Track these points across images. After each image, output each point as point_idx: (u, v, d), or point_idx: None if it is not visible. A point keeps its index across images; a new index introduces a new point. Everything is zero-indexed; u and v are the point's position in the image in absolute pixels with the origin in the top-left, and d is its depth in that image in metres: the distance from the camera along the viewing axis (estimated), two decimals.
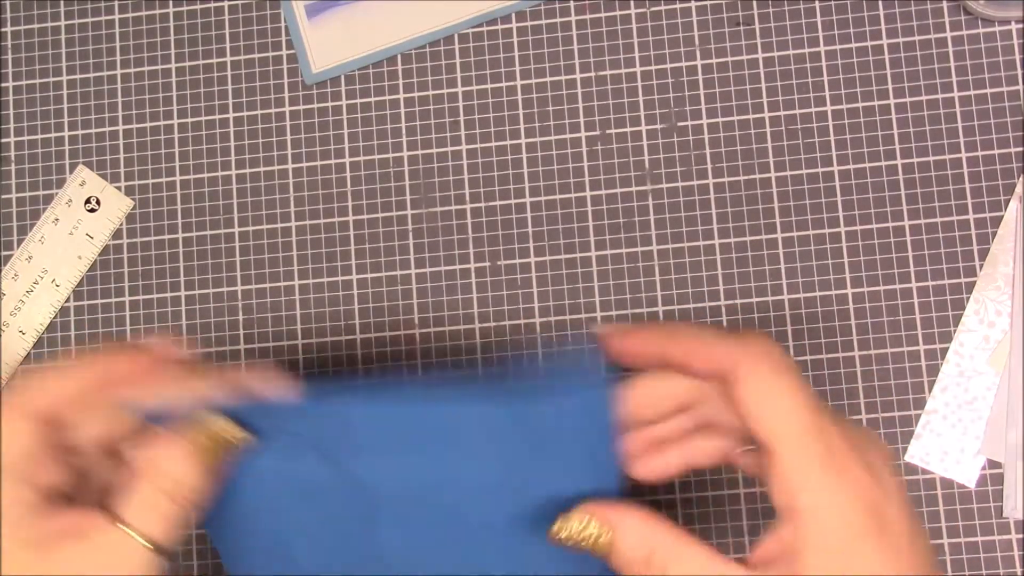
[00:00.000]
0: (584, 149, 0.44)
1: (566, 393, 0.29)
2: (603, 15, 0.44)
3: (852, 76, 0.43)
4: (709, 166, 0.43)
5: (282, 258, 0.44)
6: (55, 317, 0.45)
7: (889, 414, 0.41)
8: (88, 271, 0.45)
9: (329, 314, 0.44)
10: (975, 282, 0.42)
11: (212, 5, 0.46)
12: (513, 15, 0.44)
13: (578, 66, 0.44)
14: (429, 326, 0.43)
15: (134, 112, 0.46)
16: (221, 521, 0.31)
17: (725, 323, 0.42)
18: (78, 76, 0.46)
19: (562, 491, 0.29)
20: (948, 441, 0.41)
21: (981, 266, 0.42)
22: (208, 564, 0.43)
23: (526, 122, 0.44)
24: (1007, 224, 0.42)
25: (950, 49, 0.43)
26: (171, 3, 0.46)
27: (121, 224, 0.45)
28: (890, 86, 0.43)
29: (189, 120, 0.45)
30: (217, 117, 0.45)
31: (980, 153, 0.42)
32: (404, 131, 0.45)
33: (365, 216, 0.44)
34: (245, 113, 0.45)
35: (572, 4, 0.44)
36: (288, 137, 0.45)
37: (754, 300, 0.42)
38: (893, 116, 0.43)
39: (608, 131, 0.44)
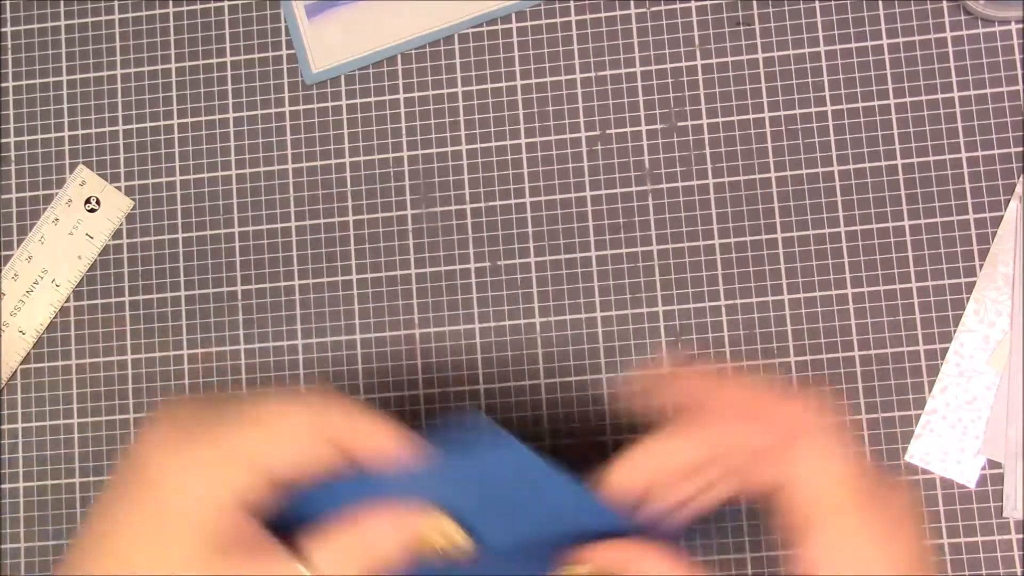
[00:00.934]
0: (584, 149, 0.44)
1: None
2: (603, 15, 0.44)
3: (852, 76, 0.43)
4: (709, 166, 0.43)
5: (282, 258, 0.44)
6: (55, 317, 0.45)
7: (889, 414, 0.41)
8: (88, 271, 0.45)
9: (329, 314, 0.44)
10: (975, 282, 0.42)
11: (212, 5, 0.46)
12: (513, 15, 0.44)
13: (578, 66, 0.44)
14: (429, 326, 0.43)
15: (134, 112, 0.46)
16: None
17: (725, 323, 0.42)
18: (78, 76, 0.46)
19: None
20: (948, 441, 0.41)
21: (981, 266, 0.42)
22: None
23: (526, 122, 0.44)
24: (1007, 224, 0.42)
25: (950, 49, 0.43)
26: (171, 3, 0.46)
27: (121, 224, 0.45)
28: (890, 86, 0.43)
29: (189, 120, 0.45)
30: (217, 117, 0.45)
31: (980, 153, 0.42)
32: (404, 131, 0.45)
33: (365, 216, 0.44)
34: (245, 113, 0.45)
35: (572, 4, 0.44)
36: (288, 137, 0.45)
37: (754, 300, 0.42)
38: (893, 116, 0.43)
39: (608, 131, 0.44)
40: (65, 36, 0.46)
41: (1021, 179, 0.42)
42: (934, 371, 0.41)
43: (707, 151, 0.43)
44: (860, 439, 0.41)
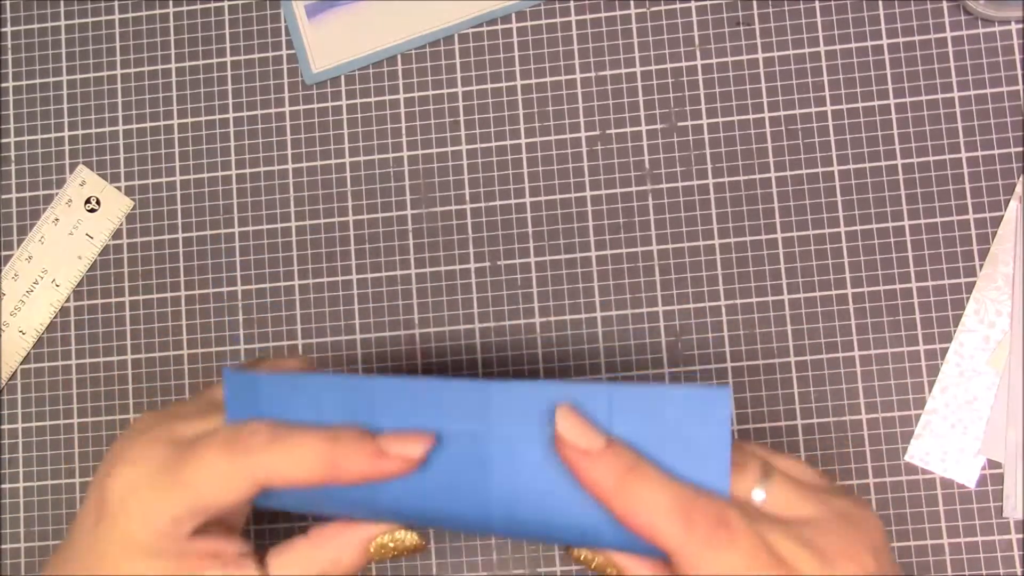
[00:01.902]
0: (584, 149, 0.44)
1: (686, 387, 0.29)
2: (603, 15, 0.44)
3: (852, 76, 0.43)
4: (709, 166, 0.43)
5: (282, 258, 0.44)
6: (55, 317, 0.45)
7: (889, 414, 0.41)
8: (88, 271, 0.45)
9: (329, 314, 0.44)
10: (975, 282, 0.42)
11: (212, 5, 0.46)
12: (513, 15, 0.44)
13: (578, 66, 0.44)
14: (429, 326, 0.43)
15: (134, 112, 0.46)
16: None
17: (725, 323, 0.42)
18: (78, 76, 0.46)
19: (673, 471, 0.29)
20: (948, 441, 0.41)
21: (981, 266, 0.42)
22: None
23: (526, 122, 0.44)
24: (1007, 224, 0.42)
25: (950, 49, 0.43)
26: (171, 3, 0.46)
27: (121, 224, 0.45)
28: (890, 86, 0.43)
29: (189, 120, 0.45)
30: (217, 117, 0.45)
31: (980, 153, 0.42)
32: (404, 131, 0.45)
33: (365, 216, 0.44)
34: (245, 113, 0.45)
35: (572, 4, 0.44)
36: (288, 137, 0.45)
37: (754, 300, 0.42)
38: (893, 116, 0.43)
39: (608, 131, 0.44)
40: (65, 36, 0.46)
41: (1021, 179, 0.42)
42: (934, 371, 0.41)
43: (707, 151, 0.43)
44: (860, 439, 0.41)
